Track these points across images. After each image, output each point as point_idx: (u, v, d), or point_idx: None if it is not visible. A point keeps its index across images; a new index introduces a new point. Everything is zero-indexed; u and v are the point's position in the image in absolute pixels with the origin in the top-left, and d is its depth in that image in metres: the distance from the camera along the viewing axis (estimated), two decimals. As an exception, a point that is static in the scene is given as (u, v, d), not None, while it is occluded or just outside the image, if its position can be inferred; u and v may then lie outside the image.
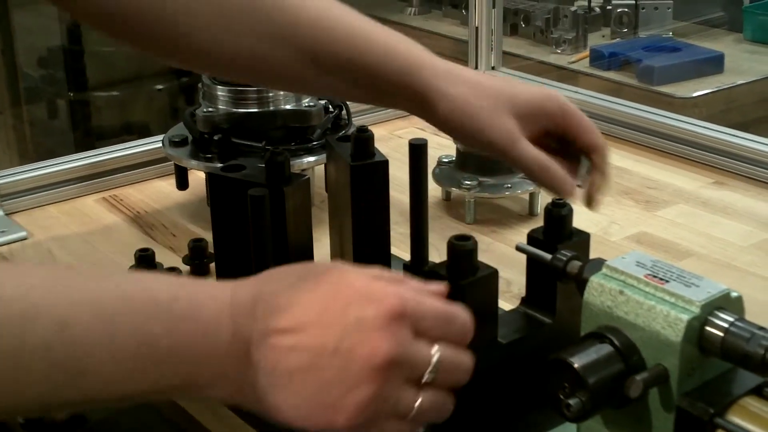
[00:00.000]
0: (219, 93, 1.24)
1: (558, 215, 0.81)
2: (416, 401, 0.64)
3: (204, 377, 0.63)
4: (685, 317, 0.65)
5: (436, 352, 0.64)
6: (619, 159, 1.49)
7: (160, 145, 1.31)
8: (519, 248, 0.81)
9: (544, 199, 1.32)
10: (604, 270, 0.70)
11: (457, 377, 0.66)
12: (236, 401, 0.65)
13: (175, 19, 0.88)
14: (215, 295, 0.64)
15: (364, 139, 0.99)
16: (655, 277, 0.68)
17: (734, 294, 0.67)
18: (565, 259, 0.75)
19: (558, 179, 0.89)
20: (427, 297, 0.65)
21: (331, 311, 0.63)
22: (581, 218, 1.27)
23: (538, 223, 1.27)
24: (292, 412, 0.62)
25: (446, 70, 0.90)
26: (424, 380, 0.64)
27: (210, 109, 1.24)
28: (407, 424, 0.64)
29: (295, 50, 0.90)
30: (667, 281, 0.67)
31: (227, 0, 0.88)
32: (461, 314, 0.67)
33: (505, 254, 1.18)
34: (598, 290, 0.69)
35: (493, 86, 0.89)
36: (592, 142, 0.91)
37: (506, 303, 1.01)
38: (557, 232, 0.81)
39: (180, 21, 0.88)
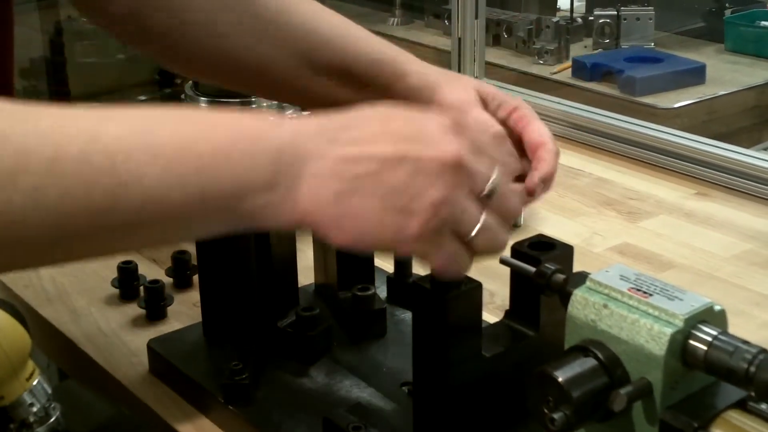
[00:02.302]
0: (202, 105, 1.24)
1: None
2: (479, 219, 0.64)
3: (251, 181, 0.59)
4: (669, 331, 0.65)
5: (495, 169, 0.65)
6: (602, 170, 1.50)
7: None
8: (503, 261, 0.81)
9: (528, 210, 1.32)
10: (587, 283, 0.70)
11: (513, 205, 0.68)
12: (290, 220, 0.61)
13: (176, 12, 0.91)
14: (272, 120, 0.63)
15: None
16: (638, 290, 0.68)
17: (717, 307, 0.67)
18: (548, 272, 0.75)
19: None
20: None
21: (396, 126, 0.64)
22: (564, 229, 1.28)
23: (523, 234, 1.27)
24: (359, 226, 0.61)
25: (429, 66, 0.97)
26: (485, 192, 0.64)
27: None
28: (467, 246, 0.65)
29: (292, 52, 0.94)
30: (650, 295, 0.67)
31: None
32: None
33: (488, 266, 1.16)
34: (582, 304, 0.69)
35: (461, 77, 0.99)
36: (537, 141, 0.93)
37: (489, 315, 1.01)
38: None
39: (181, 15, 0.92)
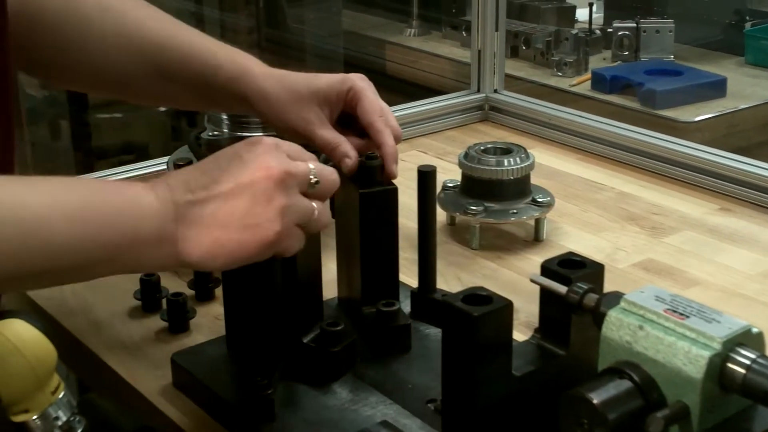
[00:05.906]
0: (224, 117, 1.23)
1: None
2: (313, 208, 0.82)
3: (145, 232, 0.76)
4: (707, 354, 0.64)
5: (310, 165, 0.82)
6: (624, 184, 1.49)
7: (165, 167, 1.30)
8: (533, 280, 0.80)
9: (551, 225, 1.32)
10: (622, 304, 0.70)
11: (332, 183, 0.85)
12: (175, 262, 0.78)
13: (57, 42, 1.04)
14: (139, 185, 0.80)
15: (371, 166, 0.99)
16: (674, 312, 0.67)
17: (755, 330, 0.66)
18: (581, 291, 0.75)
19: (337, 156, 1.00)
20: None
21: (229, 164, 0.80)
22: (587, 244, 1.27)
23: (544, 248, 1.27)
24: (227, 252, 0.78)
25: (263, 73, 1.03)
26: (312, 184, 0.82)
27: (215, 133, 1.24)
28: (308, 229, 0.82)
29: (147, 65, 1.05)
30: (687, 316, 0.66)
31: (90, 18, 1.04)
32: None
33: (510, 280, 1.17)
34: (617, 325, 0.69)
35: (298, 81, 1.02)
36: (366, 120, 1.00)
37: (515, 331, 1.00)
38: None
39: (60, 41, 1.04)
